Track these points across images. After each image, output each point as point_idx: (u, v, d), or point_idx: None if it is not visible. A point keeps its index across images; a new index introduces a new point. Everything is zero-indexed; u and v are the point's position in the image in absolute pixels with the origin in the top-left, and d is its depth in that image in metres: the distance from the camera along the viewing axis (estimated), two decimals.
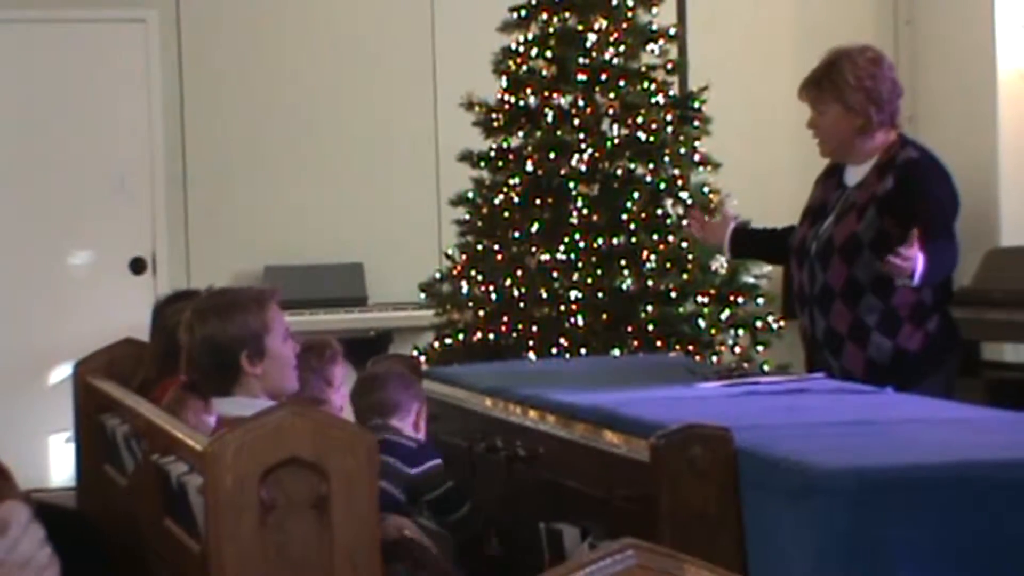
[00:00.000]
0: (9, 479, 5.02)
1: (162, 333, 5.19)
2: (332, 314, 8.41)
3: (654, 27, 7.26)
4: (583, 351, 6.74)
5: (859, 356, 4.40)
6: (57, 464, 8.31)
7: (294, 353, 3.80)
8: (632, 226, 6.95)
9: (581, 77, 7.09)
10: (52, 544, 4.88)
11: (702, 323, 6.95)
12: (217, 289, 4.15)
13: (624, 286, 6.94)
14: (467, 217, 7.28)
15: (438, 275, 7.41)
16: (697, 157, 7.18)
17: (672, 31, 7.36)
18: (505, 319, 6.97)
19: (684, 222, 6.96)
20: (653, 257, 6.93)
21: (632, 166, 7.09)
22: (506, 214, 7.10)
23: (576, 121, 7.07)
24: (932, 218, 4.35)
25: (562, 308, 6.86)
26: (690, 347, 6.85)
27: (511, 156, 7.19)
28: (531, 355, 6.82)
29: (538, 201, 7.05)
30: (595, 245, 6.92)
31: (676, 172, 7.10)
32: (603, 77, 7.10)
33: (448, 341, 7.18)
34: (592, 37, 7.12)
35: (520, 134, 7.20)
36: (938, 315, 4.44)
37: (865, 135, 4.48)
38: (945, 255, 4.32)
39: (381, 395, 4.40)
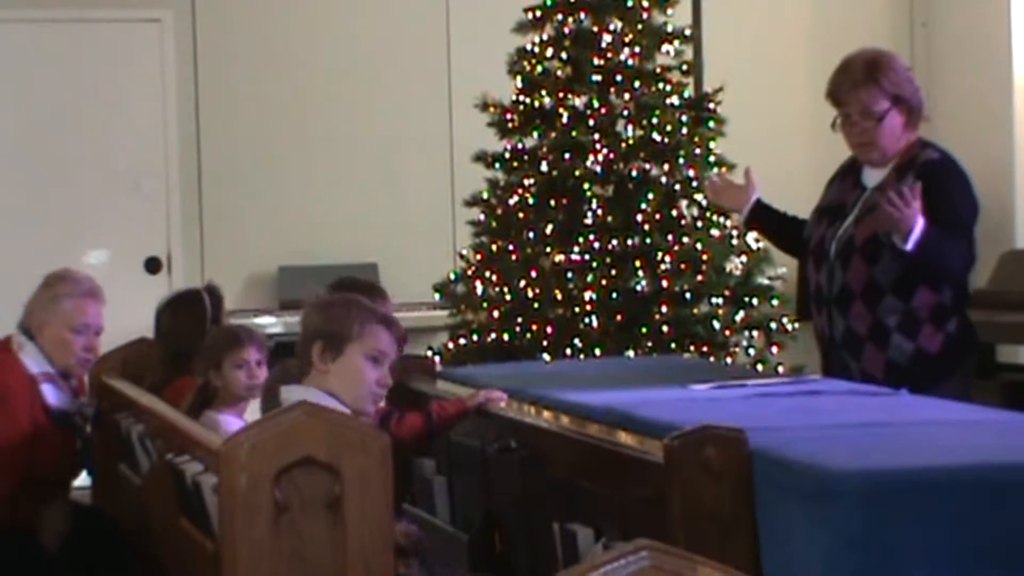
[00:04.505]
0: (66, 500, 5.11)
1: (166, 335, 5.22)
2: None
3: (669, 28, 7.26)
4: (597, 352, 6.73)
5: (879, 357, 4.39)
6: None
7: (381, 383, 3.80)
8: (647, 227, 6.95)
9: (596, 78, 7.09)
10: (76, 542, 4.93)
11: (716, 324, 6.94)
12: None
13: (638, 287, 6.94)
14: (482, 218, 7.29)
15: (452, 276, 7.41)
16: (712, 158, 7.17)
17: (687, 32, 7.35)
18: (519, 320, 6.97)
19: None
20: (668, 258, 6.93)
21: (647, 167, 7.09)
22: (520, 215, 7.10)
23: (591, 122, 7.07)
24: (950, 220, 4.34)
25: (576, 309, 6.86)
26: (704, 348, 6.85)
27: (526, 157, 7.19)
28: (545, 356, 6.82)
29: (553, 202, 7.05)
30: (610, 246, 6.92)
31: (691, 173, 7.10)
32: (618, 78, 7.10)
33: (462, 341, 7.18)
34: (607, 38, 7.12)
35: (535, 135, 7.21)
36: (957, 317, 4.44)
37: (909, 131, 4.49)
38: (951, 248, 4.31)
39: None
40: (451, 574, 4.00)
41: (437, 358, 6.72)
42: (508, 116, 7.21)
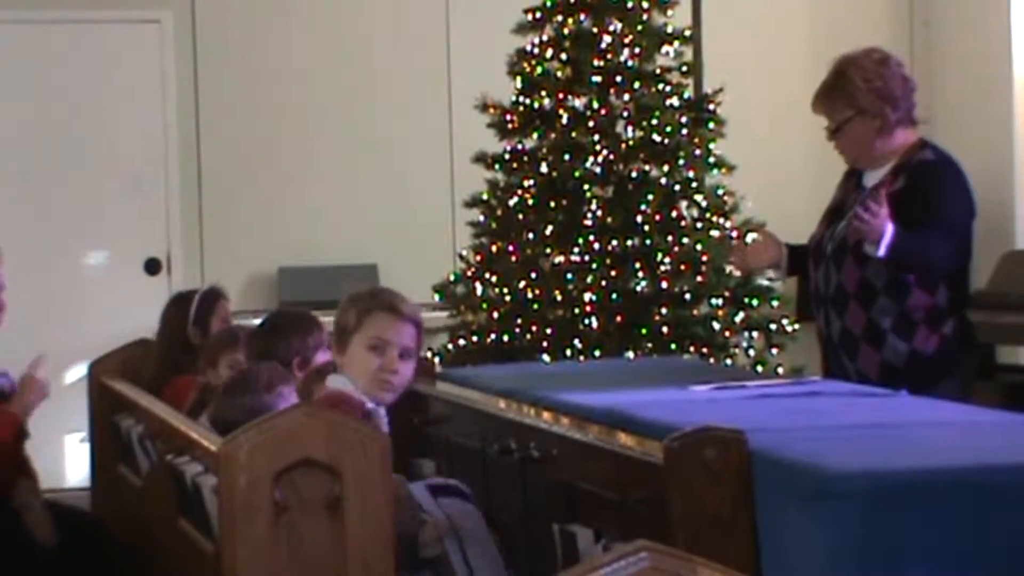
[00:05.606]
0: (35, 480, 5.07)
1: (158, 333, 5.24)
2: None
3: (669, 29, 7.25)
4: (597, 353, 6.73)
5: (874, 358, 4.40)
6: (72, 464, 8.33)
7: (385, 368, 3.80)
8: (646, 228, 6.95)
9: (596, 79, 7.09)
10: (65, 547, 4.92)
11: (716, 325, 6.93)
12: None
13: (638, 288, 6.93)
14: (481, 219, 7.28)
15: (452, 277, 7.40)
16: (712, 159, 7.16)
17: (687, 33, 7.34)
18: (519, 321, 6.97)
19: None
20: (667, 259, 6.92)
21: (647, 168, 7.08)
22: (520, 216, 7.09)
23: (591, 123, 7.07)
24: (933, 218, 4.35)
25: (576, 310, 6.86)
26: (704, 349, 6.84)
27: (525, 158, 7.18)
28: (545, 357, 6.81)
29: (552, 203, 7.04)
30: (609, 247, 6.91)
31: (691, 174, 7.10)
32: (618, 79, 7.10)
33: (462, 342, 7.17)
34: (607, 39, 7.11)
35: (534, 136, 7.20)
36: (954, 318, 4.43)
37: (884, 136, 4.48)
38: (927, 246, 4.32)
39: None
40: (485, 553, 3.98)
41: (437, 359, 6.72)
42: (508, 117, 7.20)
